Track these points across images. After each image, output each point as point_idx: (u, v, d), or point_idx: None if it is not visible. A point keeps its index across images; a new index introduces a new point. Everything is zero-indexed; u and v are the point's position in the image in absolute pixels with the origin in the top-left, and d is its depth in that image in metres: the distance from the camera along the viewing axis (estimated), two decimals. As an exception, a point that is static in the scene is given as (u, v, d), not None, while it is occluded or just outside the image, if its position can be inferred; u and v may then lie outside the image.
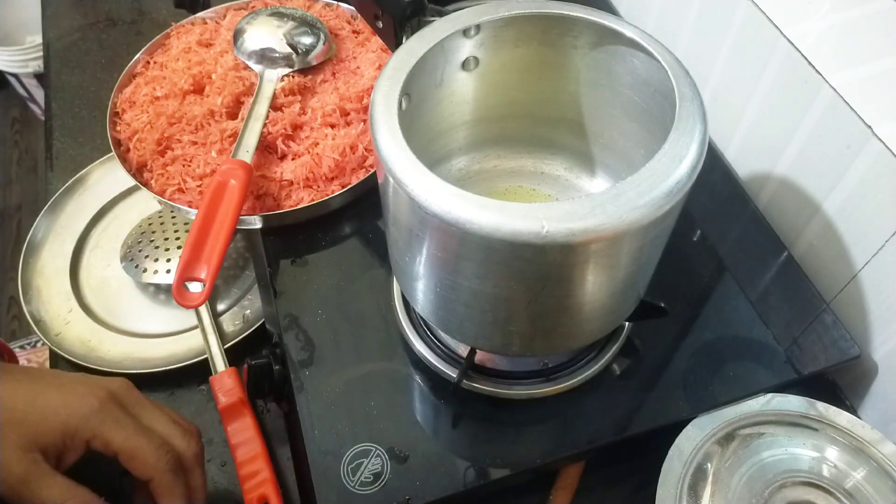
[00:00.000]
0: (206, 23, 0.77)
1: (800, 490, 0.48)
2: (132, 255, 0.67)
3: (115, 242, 0.70)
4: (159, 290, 0.67)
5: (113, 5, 0.94)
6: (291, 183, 0.61)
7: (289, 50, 0.68)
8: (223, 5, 0.77)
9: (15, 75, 1.82)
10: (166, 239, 0.68)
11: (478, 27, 0.47)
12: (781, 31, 0.57)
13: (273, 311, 0.57)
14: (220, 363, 0.60)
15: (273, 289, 0.58)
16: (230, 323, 0.64)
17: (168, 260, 0.66)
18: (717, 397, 0.52)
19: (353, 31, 0.74)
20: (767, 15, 0.59)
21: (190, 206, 0.61)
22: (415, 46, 0.45)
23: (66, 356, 0.61)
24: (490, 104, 0.54)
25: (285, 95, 0.66)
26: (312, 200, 0.61)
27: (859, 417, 0.52)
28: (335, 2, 0.76)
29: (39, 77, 1.74)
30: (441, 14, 0.55)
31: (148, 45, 0.73)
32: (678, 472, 0.49)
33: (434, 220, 0.37)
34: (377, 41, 0.71)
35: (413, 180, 0.37)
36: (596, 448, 0.51)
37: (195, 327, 0.63)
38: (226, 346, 0.61)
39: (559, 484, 0.53)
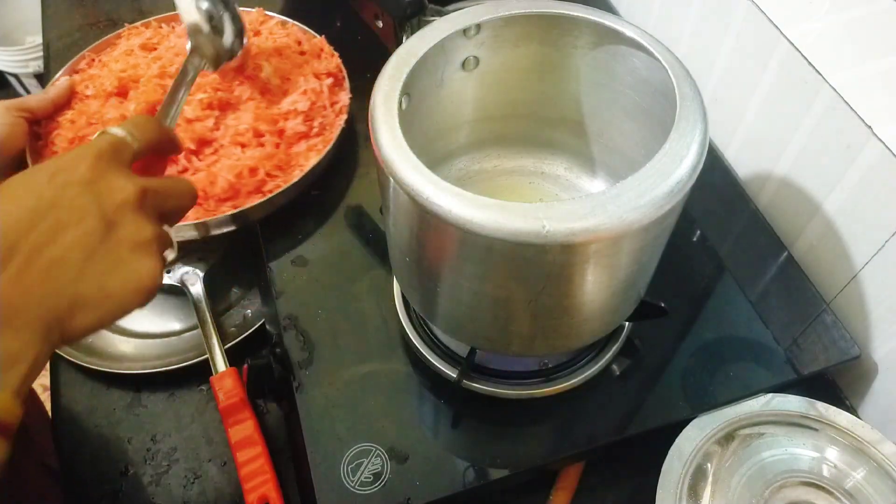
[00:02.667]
0: (160, 27, 0.76)
1: (800, 490, 0.48)
2: (132, 255, 0.67)
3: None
4: (159, 291, 0.67)
5: (113, 6, 0.94)
6: None
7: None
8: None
9: (15, 75, 1.82)
10: (166, 239, 0.68)
11: (478, 27, 0.47)
12: (781, 31, 0.57)
13: (273, 311, 0.57)
14: (220, 363, 0.60)
15: (273, 289, 0.58)
16: (230, 323, 0.64)
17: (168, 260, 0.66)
18: (717, 397, 0.52)
19: (300, 52, 0.72)
20: (767, 15, 0.59)
21: None
22: (415, 46, 0.45)
23: (66, 356, 0.61)
24: (490, 104, 0.54)
25: (202, 109, 0.64)
26: (197, 219, 0.58)
27: (859, 417, 0.52)
28: (289, 20, 0.75)
29: (39, 77, 1.74)
30: (441, 14, 0.56)
31: (96, 42, 0.73)
32: (678, 472, 0.49)
33: (434, 220, 0.37)
34: (321, 65, 0.70)
35: (413, 180, 0.37)
36: (596, 448, 0.51)
37: (195, 327, 0.63)
38: (226, 346, 0.61)
39: (559, 484, 0.53)
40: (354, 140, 0.70)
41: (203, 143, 0.62)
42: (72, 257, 0.33)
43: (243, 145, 0.62)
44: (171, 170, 0.61)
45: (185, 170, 0.61)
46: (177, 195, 0.41)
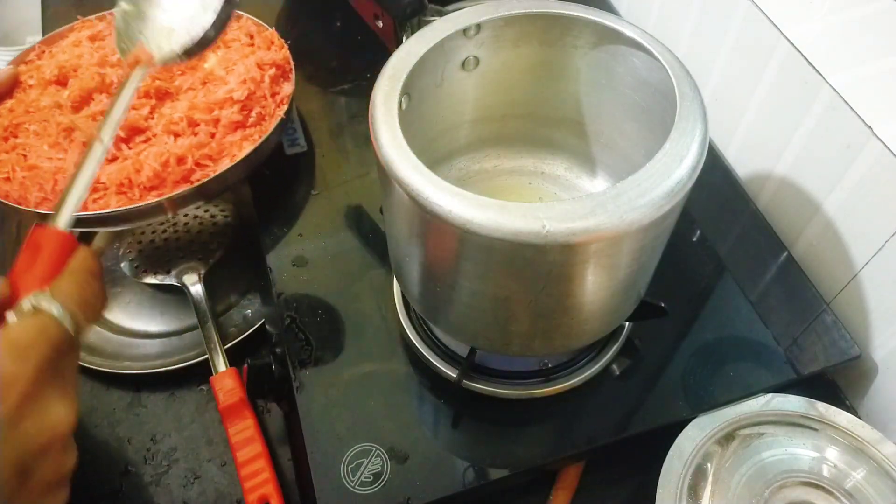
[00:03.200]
0: (110, 21, 0.72)
1: (800, 490, 0.48)
2: (132, 255, 0.67)
3: (114, 242, 0.70)
4: (159, 290, 0.67)
5: (113, 6, 0.94)
6: (106, 186, 0.56)
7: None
8: None
9: (15, 75, 1.82)
10: (166, 239, 0.68)
11: (478, 27, 0.47)
12: (781, 31, 0.57)
13: (273, 312, 0.57)
14: (220, 363, 0.60)
15: (273, 289, 0.58)
16: (230, 323, 0.64)
17: (168, 260, 0.66)
18: (717, 397, 0.52)
19: (249, 44, 0.69)
20: (767, 15, 0.59)
21: (6, 199, 0.56)
22: (415, 46, 0.45)
23: (66, 356, 0.61)
24: (490, 104, 0.54)
25: (138, 98, 0.61)
26: (119, 207, 0.55)
27: (859, 417, 0.52)
28: (244, 14, 0.72)
29: None
30: (441, 14, 0.56)
31: (49, 34, 0.71)
32: (678, 472, 0.49)
33: (434, 220, 0.37)
34: (267, 55, 0.67)
35: (413, 180, 0.37)
36: (596, 448, 0.51)
37: (195, 327, 0.63)
38: (226, 346, 0.61)
39: (559, 484, 0.53)
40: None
41: (135, 131, 0.60)
42: None
43: (176, 134, 0.60)
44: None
45: (115, 158, 0.58)
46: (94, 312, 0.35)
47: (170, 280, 0.65)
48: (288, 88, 0.65)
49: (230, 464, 0.57)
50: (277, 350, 0.56)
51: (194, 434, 0.59)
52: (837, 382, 0.60)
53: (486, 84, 0.52)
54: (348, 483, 0.47)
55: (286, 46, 0.69)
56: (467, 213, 0.36)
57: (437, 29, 0.46)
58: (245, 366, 0.54)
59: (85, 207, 0.55)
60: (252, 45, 0.69)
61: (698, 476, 0.49)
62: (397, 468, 0.48)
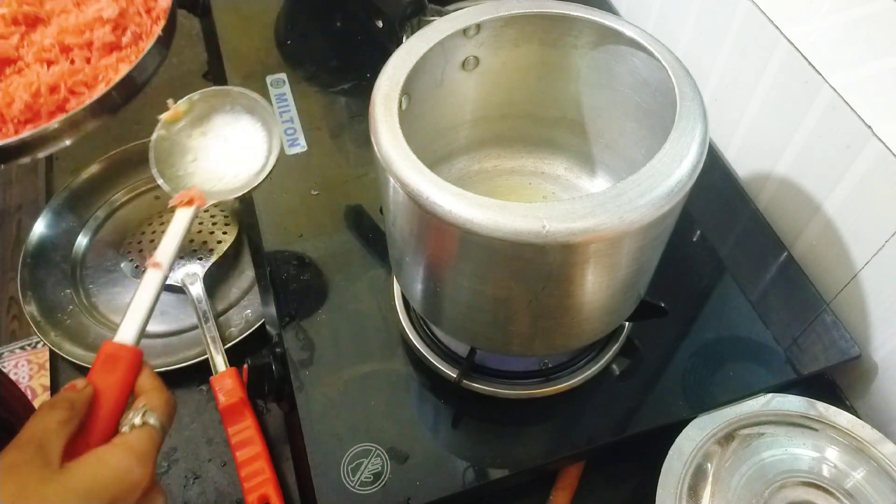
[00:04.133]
0: None
1: (800, 490, 0.48)
2: (132, 256, 0.67)
3: (115, 242, 0.70)
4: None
5: None
6: None
7: None
8: None
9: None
10: (166, 239, 0.68)
11: (478, 27, 0.47)
12: (781, 31, 0.57)
13: (273, 312, 0.57)
14: (220, 363, 0.60)
15: (273, 289, 0.58)
16: (230, 323, 0.64)
17: (168, 260, 0.66)
18: (717, 397, 0.52)
19: None
20: (767, 15, 0.59)
21: None
22: (415, 46, 0.45)
23: (66, 356, 0.61)
24: (490, 104, 0.54)
25: (5, 25, 0.57)
26: None
27: (859, 417, 0.52)
28: None
29: None
30: (441, 14, 0.56)
31: None
32: (678, 472, 0.49)
33: (434, 220, 0.37)
34: None
35: (413, 180, 0.37)
36: (596, 448, 0.51)
37: (195, 327, 0.63)
38: (226, 347, 0.61)
39: (559, 484, 0.53)
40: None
41: (4, 62, 0.56)
42: None
43: (50, 62, 0.56)
44: None
45: None
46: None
47: (170, 280, 0.65)
48: (164, 2, 0.60)
49: (230, 464, 0.57)
50: (277, 350, 0.56)
51: (194, 434, 0.59)
52: (837, 382, 0.60)
53: (486, 84, 0.52)
54: (348, 483, 0.47)
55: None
56: (467, 213, 0.36)
57: (437, 29, 0.46)
58: (245, 366, 0.54)
59: None
60: None
61: (698, 476, 0.49)
62: (397, 468, 0.48)
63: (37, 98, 0.54)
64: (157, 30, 0.58)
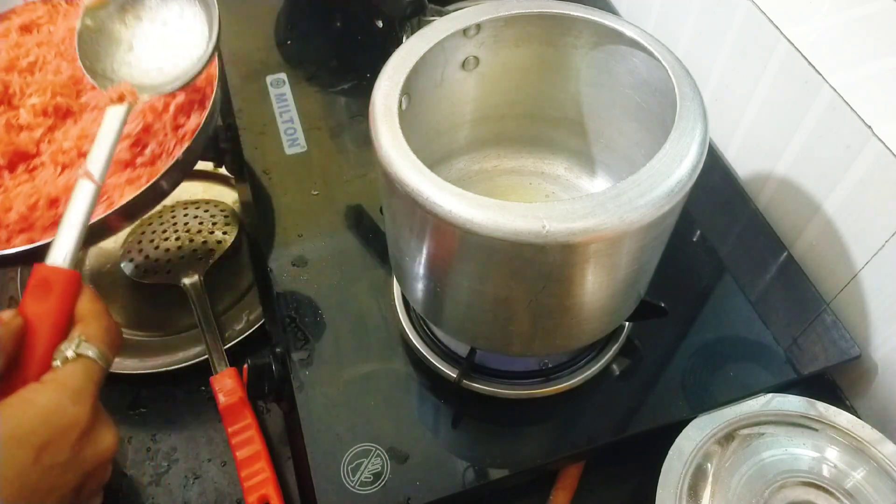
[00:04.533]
0: (59, 5, 0.63)
1: (800, 490, 0.48)
2: (132, 255, 0.67)
3: (114, 242, 0.70)
4: (159, 290, 0.67)
5: None
6: None
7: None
8: None
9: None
10: (166, 239, 0.68)
11: (478, 27, 0.47)
12: (781, 32, 0.57)
13: (273, 312, 0.57)
14: (220, 363, 0.60)
15: (273, 289, 0.58)
16: (230, 323, 0.64)
17: (168, 260, 0.66)
18: (717, 397, 0.52)
19: None
20: (767, 15, 0.59)
21: None
22: (415, 46, 0.45)
23: (66, 356, 0.61)
24: (490, 104, 0.54)
25: (34, 116, 0.54)
26: None
27: (859, 417, 0.52)
28: None
29: None
30: (441, 14, 0.56)
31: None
32: (678, 472, 0.49)
33: (434, 220, 0.37)
34: None
35: (413, 180, 0.37)
36: (596, 448, 0.51)
37: (195, 327, 0.63)
38: (226, 347, 0.61)
39: (559, 484, 0.53)
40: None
41: (21, 157, 0.53)
42: None
43: (65, 166, 0.52)
44: None
45: None
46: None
47: (170, 280, 0.66)
48: (195, 120, 0.53)
49: (230, 464, 0.57)
50: (277, 350, 0.56)
51: (194, 434, 0.59)
52: (837, 382, 0.60)
53: (486, 84, 0.52)
54: (348, 483, 0.47)
55: (215, 61, 0.55)
56: (467, 213, 0.36)
57: (437, 29, 0.46)
58: (245, 366, 0.54)
59: None
60: None
61: (698, 476, 0.49)
62: (397, 468, 0.48)
63: (33, 211, 0.50)
64: (179, 152, 0.52)
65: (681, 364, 0.54)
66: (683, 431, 0.51)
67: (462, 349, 0.53)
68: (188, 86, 0.49)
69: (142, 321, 0.65)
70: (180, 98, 0.54)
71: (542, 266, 0.37)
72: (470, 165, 0.59)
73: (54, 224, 0.50)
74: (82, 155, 0.52)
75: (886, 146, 0.50)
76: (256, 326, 0.63)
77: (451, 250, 0.39)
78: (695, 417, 0.52)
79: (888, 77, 0.53)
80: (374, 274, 0.59)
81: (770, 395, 0.53)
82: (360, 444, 0.49)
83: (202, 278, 0.65)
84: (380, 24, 0.60)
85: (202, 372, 0.60)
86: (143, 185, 0.49)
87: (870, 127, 0.51)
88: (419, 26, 0.59)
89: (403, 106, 0.42)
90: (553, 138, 0.57)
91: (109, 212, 0.48)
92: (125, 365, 0.61)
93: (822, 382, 0.59)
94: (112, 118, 0.44)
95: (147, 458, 0.58)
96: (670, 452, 0.50)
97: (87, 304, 0.37)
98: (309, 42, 0.80)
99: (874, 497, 0.47)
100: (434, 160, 0.55)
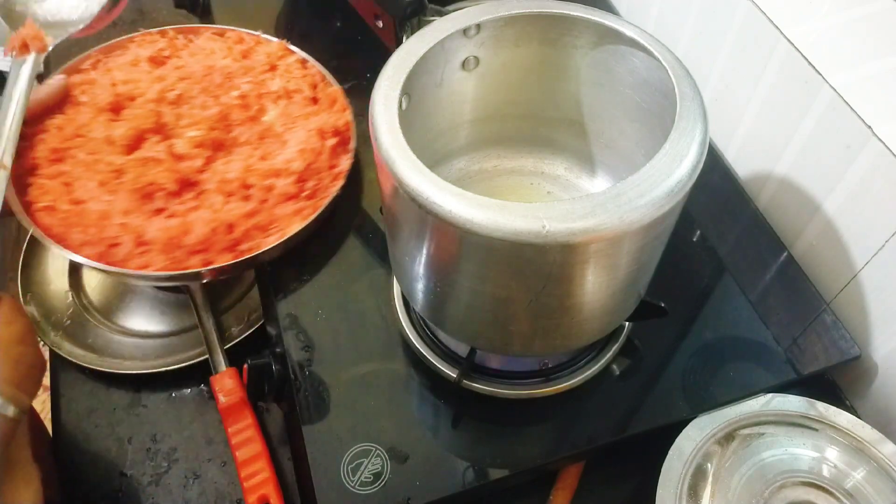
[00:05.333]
0: (176, 38, 0.70)
1: (800, 490, 0.48)
2: (132, 255, 0.67)
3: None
4: (159, 290, 0.67)
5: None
6: (153, 242, 0.54)
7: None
8: (202, 25, 0.72)
9: (15, 75, 1.82)
10: (166, 239, 0.68)
11: (478, 27, 0.47)
12: (781, 31, 0.57)
13: (273, 312, 0.57)
14: (220, 363, 0.60)
15: (273, 289, 0.58)
16: (230, 323, 0.64)
17: (168, 260, 0.66)
18: (717, 397, 0.52)
19: (312, 98, 0.66)
20: (767, 15, 0.59)
21: (47, 234, 0.54)
22: (415, 46, 0.45)
23: (66, 356, 0.61)
24: (490, 104, 0.54)
25: (193, 147, 0.59)
26: (164, 269, 0.54)
27: (859, 417, 0.52)
28: (311, 60, 0.70)
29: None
30: (441, 14, 0.56)
31: (106, 43, 0.68)
32: (678, 472, 0.49)
33: (434, 220, 0.37)
34: (329, 119, 0.64)
35: (413, 180, 0.37)
36: (596, 448, 0.51)
37: (195, 327, 0.63)
38: (226, 347, 0.61)
39: (559, 484, 0.53)
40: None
41: (187, 184, 0.58)
42: None
43: (229, 194, 0.58)
44: (145, 205, 0.56)
45: (161, 210, 0.56)
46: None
47: (170, 280, 0.65)
48: (345, 162, 0.62)
49: (230, 464, 0.57)
50: (277, 350, 0.56)
51: (194, 434, 0.59)
52: (837, 382, 0.60)
53: (486, 84, 0.52)
54: (348, 483, 0.47)
55: (349, 109, 0.66)
56: (467, 213, 0.36)
57: (437, 29, 0.46)
58: (245, 366, 0.54)
59: (126, 262, 0.54)
60: (315, 100, 0.67)
61: (698, 476, 0.49)
62: (397, 468, 0.48)
63: (214, 234, 0.55)
64: (335, 189, 0.60)
65: (681, 364, 0.54)
66: (683, 431, 0.51)
67: (462, 349, 0.53)
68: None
69: (142, 321, 0.65)
70: (332, 141, 0.62)
71: (542, 266, 0.37)
72: (470, 165, 0.59)
73: (228, 248, 0.56)
74: (245, 186, 0.58)
75: (886, 146, 0.50)
76: (256, 326, 0.63)
77: (451, 250, 0.39)
78: (695, 417, 0.52)
79: (888, 77, 0.53)
80: (374, 274, 0.59)
81: (770, 395, 0.53)
82: (360, 444, 0.49)
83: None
84: (380, 24, 0.60)
85: (202, 372, 0.60)
86: (308, 217, 0.57)
87: (870, 127, 0.51)
88: (419, 26, 0.59)
89: (403, 106, 0.42)
90: (553, 138, 0.57)
91: (276, 243, 0.55)
92: (125, 365, 0.61)
93: (822, 382, 0.59)
94: (19, 74, 0.40)
95: (147, 458, 0.58)
96: (670, 452, 0.50)
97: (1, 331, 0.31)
98: (309, 42, 0.80)
99: (874, 497, 0.47)
100: (434, 160, 0.55)
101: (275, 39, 0.71)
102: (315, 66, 0.69)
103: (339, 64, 0.77)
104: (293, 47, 0.71)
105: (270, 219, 0.57)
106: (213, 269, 0.54)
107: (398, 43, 0.58)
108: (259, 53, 0.69)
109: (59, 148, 0.58)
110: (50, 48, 0.43)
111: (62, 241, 0.54)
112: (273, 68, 0.68)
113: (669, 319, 0.53)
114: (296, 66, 0.69)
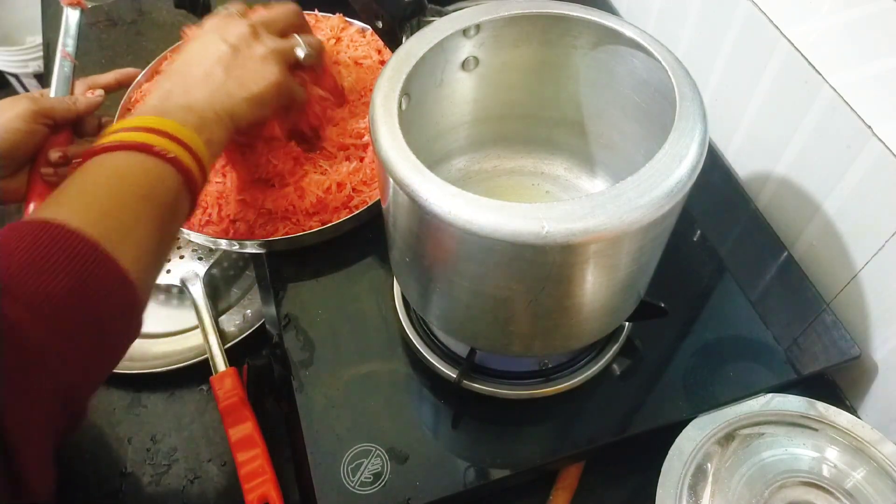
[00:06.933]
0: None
1: (800, 490, 0.48)
2: (132, 255, 0.67)
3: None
4: (159, 290, 0.67)
5: (113, 5, 0.94)
6: (270, 212, 0.60)
7: None
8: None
9: (15, 75, 1.82)
10: (166, 239, 0.68)
11: (478, 27, 0.47)
12: (781, 31, 0.57)
13: (273, 312, 0.57)
14: (220, 363, 0.60)
15: (273, 289, 0.58)
16: (230, 323, 0.64)
17: (168, 260, 0.66)
18: (717, 397, 0.52)
19: (380, 62, 0.70)
20: (767, 15, 0.59)
21: None
22: (415, 46, 0.45)
23: (66, 356, 0.61)
24: (490, 104, 0.54)
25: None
26: (287, 233, 0.58)
27: (859, 417, 0.52)
28: (370, 28, 0.72)
29: (39, 77, 1.74)
30: (441, 14, 0.56)
31: (177, 44, 0.73)
32: (678, 472, 0.49)
33: (434, 220, 0.37)
34: None
35: (413, 180, 0.37)
36: (596, 448, 0.51)
37: (195, 327, 0.63)
38: (226, 346, 0.61)
39: (559, 484, 0.53)
40: None
41: (298, 161, 0.62)
42: (216, 71, 0.51)
43: (328, 157, 0.62)
44: (259, 183, 0.61)
45: (273, 185, 0.61)
46: (282, 18, 0.57)
47: (170, 280, 0.65)
48: None
49: (230, 464, 0.57)
50: (277, 350, 0.56)
51: (194, 434, 0.59)
52: (837, 382, 0.60)
53: (486, 84, 0.52)
54: (348, 483, 0.47)
55: None
56: (467, 213, 0.36)
57: (437, 29, 0.46)
58: (245, 366, 0.54)
59: (251, 233, 0.59)
60: (382, 62, 0.70)
61: (698, 476, 0.49)
62: (397, 468, 0.48)
63: (328, 193, 0.60)
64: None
65: (681, 364, 0.54)
66: (683, 431, 0.51)
67: (462, 349, 0.53)
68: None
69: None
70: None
71: (541, 266, 0.37)
72: (470, 165, 0.59)
73: (343, 205, 0.61)
74: (343, 147, 0.63)
75: (886, 146, 0.50)
76: (256, 326, 0.63)
77: (451, 251, 0.39)
78: (695, 417, 0.52)
79: (888, 77, 0.53)
80: (374, 274, 0.59)
81: (770, 395, 0.53)
82: (360, 444, 0.49)
83: (202, 278, 0.65)
84: (380, 24, 0.60)
85: (202, 372, 0.60)
86: (353, 211, 0.60)
87: (870, 127, 0.51)
88: (419, 26, 0.59)
89: (403, 106, 0.42)
90: (553, 138, 0.57)
91: (321, 227, 0.59)
92: (125, 365, 0.61)
93: (822, 382, 0.59)
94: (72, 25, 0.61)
95: (147, 458, 0.58)
96: (670, 452, 0.50)
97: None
98: (309, 42, 0.80)
99: (874, 497, 0.47)
100: (434, 160, 0.55)
101: (331, 14, 0.75)
102: (373, 33, 0.72)
103: (339, 64, 0.77)
104: (350, 19, 0.74)
105: (373, 174, 0.62)
106: (332, 225, 0.58)
107: (398, 43, 0.58)
108: (323, 28, 0.73)
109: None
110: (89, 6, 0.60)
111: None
112: (339, 40, 0.73)
113: (669, 319, 0.53)
114: (357, 35, 0.73)
